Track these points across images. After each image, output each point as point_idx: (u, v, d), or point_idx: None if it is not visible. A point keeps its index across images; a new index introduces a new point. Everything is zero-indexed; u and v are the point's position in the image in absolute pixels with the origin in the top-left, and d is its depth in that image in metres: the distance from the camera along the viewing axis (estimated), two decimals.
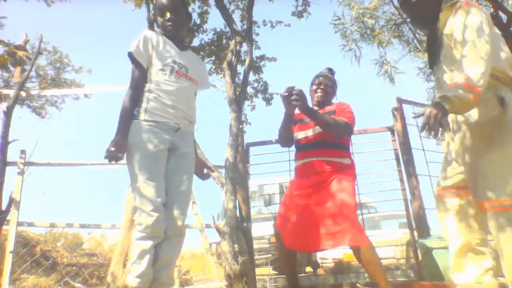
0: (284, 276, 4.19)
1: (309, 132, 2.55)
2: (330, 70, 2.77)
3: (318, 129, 2.51)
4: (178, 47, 2.14)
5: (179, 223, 1.94)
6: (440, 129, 1.49)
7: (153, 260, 1.87)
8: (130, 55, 2.03)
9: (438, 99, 1.57)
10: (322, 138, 2.48)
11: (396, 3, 5.17)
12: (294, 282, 2.53)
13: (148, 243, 1.84)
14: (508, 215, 1.56)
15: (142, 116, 1.95)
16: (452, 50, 1.72)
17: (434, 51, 1.86)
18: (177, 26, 2.15)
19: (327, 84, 2.67)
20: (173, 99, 2.00)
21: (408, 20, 2.08)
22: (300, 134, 2.61)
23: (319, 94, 2.65)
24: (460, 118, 1.77)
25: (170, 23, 2.12)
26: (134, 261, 1.84)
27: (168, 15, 2.12)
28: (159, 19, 2.16)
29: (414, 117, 1.67)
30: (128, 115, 1.94)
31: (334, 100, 2.72)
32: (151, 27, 4.12)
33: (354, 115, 2.56)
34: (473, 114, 1.69)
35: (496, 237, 1.63)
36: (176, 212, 1.95)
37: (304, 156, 2.54)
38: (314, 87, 2.69)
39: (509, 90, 1.68)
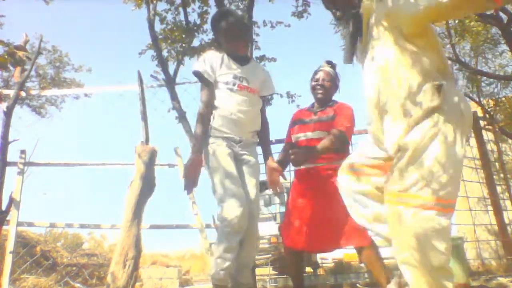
0: (288, 277, 4.21)
1: (309, 135, 2.53)
2: (329, 63, 2.68)
3: (318, 133, 2.49)
4: (239, 62, 2.25)
5: (250, 236, 2.07)
6: None
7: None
8: (198, 74, 2.19)
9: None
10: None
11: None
12: (299, 285, 2.54)
13: (234, 240, 1.96)
14: (429, 217, 1.40)
15: (210, 131, 2.15)
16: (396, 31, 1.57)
17: (354, 42, 1.75)
18: (241, 48, 2.29)
19: (325, 79, 2.59)
20: (235, 114, 2.14)
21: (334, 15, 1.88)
22: (300, 136, 2.58)
23: (318, 92, 2.59)
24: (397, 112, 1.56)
25: (233, 47, 2.26)
26: (219, 256, 1.96)
27: (231, 40, 2.24)
28: (222, 42, 2.29)
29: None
30: (202, 133, 2.13)
31: (337, 95, 2.66)
32: (151, 27, 4.12)
33: (354, 119, 2.51)
34: (413, 108, 1.51)
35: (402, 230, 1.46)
36: (249, 225, 2.04)
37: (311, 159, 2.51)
38: (313, 83, 2.63)
39: (447, 80, 1.55)
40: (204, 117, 2.16)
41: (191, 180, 2.12)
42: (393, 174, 1.52)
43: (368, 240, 2.25)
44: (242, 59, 2.28)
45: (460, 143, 1.49)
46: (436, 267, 1.40)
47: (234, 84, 2.17)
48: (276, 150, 3.82)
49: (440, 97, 1.48)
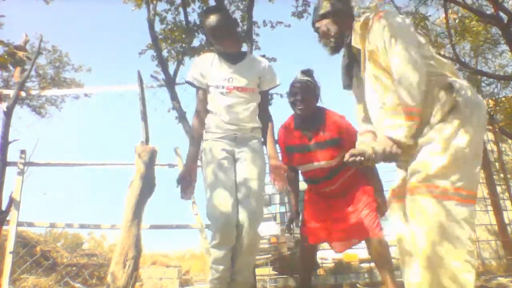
0: (288, 277, 4.22)
1: (317, 165, 2.46)
2: (305, 73, 2.52)
3: (327, 162, 2.43)
4: (231, 61, 2.18)
5: (246, 235, 1.95)
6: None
7: (231, 263, 1.98)
8: (189, 83, 2.20)
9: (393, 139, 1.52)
10: (331, 169, 2.47)
11: (395, 3, 5.17)
12: (308, 284, 2.61)
13: (220, 253, 1.94)
14: (449, 204, 1.44)
15: (205, 136, 2.16)
16: (378, 66, 1.64)
17: (351, 70, 1.83)
18: (232, 45, 2.20)
19: (304, 94, 2.44)
20: (227, 118, 2.09)
21: (322, 44, 1.89)
22: (305, 167, 2.52)
23: (299, 109, 2.45)
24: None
25: (223, 45, 2.18)
26: (211, 266, 1.99)
27: (219, 38, 2.17)
28: (211, 40, 2.23)
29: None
30: (197, 140, 2.15)
31: (320, 102, 2.54)
32: (151, 27, 4.12)
33: (353, 127, 2.43)
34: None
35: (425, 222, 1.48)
36: (245, 222, 1.96)
37: (319, 189, 2.59)
38: (292, 99, 2.48)
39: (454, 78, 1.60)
40: (198, 124, 2.16)
41: (187, 184, 2.12)
42: (413, 166, 1.56)
43: (378, 234, 2.34)
44: (235, 57, 2.20)
45: (479, 134, 1.55)
46: (457, 260, 1.41)
47: (223, 87, 2.12)
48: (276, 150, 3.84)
49: (454, 95, 1.53)
